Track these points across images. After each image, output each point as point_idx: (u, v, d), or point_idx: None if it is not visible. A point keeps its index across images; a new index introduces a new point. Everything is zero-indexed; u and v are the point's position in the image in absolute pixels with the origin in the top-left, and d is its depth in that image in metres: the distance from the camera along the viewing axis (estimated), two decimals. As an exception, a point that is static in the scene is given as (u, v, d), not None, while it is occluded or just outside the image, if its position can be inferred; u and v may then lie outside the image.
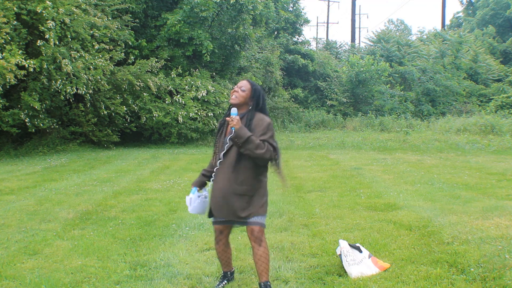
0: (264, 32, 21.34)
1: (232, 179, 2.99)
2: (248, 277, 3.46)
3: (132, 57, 14.51)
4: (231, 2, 14.98)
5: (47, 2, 10.81)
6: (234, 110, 2.94)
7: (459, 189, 6.74)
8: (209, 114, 14.87)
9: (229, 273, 3.38)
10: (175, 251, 4.06)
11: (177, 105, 14.48)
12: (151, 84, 13.79)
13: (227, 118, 2.94)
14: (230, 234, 3.28)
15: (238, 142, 2.90)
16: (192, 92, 14.77)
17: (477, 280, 3.29)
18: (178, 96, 14.64)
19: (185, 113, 14.28)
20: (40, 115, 11.70)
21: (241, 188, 3.00)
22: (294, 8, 26.35)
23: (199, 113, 14.63)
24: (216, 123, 14.68)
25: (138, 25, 15.21)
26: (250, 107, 3.05)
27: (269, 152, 2.94)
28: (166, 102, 14.54)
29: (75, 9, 11.84)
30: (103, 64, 12.61)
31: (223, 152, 3.04)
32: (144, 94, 14.04)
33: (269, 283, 3.07)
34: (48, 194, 6.75)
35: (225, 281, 3.35)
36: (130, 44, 14.67)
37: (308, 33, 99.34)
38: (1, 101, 10.64)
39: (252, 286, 3.33)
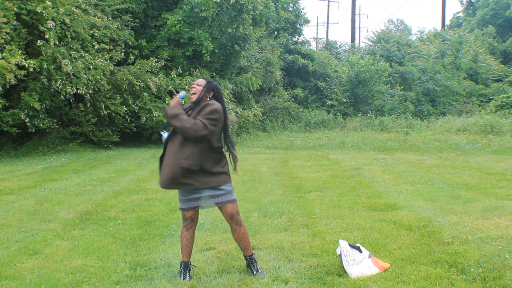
0: (264, 32, 21.33)
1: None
2: (247, 277, 3.46)
3: (132, 57, 14.51)
4: (231, 2, 14.97)
5: (47, 2, 10.81)
6: (182, 93, 3.48)
7: (459, 189, 6.74)
8: (209, 114, 14.85)
9: (189, 263, 3.54)
10: (175, 251, 4.06)
11: (177, 105, 14.47)
12: (151, 84, 13.79)
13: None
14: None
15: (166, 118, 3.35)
16: (192, 92, 14.76)
17: (477, 280, 3.29)
18: (178, 96, 14.63)
19: (185, 113, 14.27)
20: (40, 115, 11.70)
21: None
22: (294, 8, 26.34)
23: (199, 113, 14.62)
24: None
25: (138, 25, 15.21)
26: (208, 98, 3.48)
27: (193, 126, 3.26)
28: (166, 102, 14.52)
29: (75, 9, 11.83)
30: (103, 64, 12.60)
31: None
32: (144, 94, 14.04)
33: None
34: (48, 194, 6.75)
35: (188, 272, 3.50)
36: (130, 44, 14.66)
37: (308, 33, 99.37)
38: (1, 101, 10.64)
39: (252, 286, 3.33)
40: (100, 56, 12.76)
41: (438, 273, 3.41)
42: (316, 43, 36.56)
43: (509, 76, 25.65)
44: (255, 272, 3.48)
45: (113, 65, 13.39)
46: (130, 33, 14.54)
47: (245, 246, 3.50)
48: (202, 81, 3.50)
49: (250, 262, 3.52)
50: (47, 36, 10.86)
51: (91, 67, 12.21)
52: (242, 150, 12.95)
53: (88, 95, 12.50)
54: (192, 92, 3.45)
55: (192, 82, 14.92)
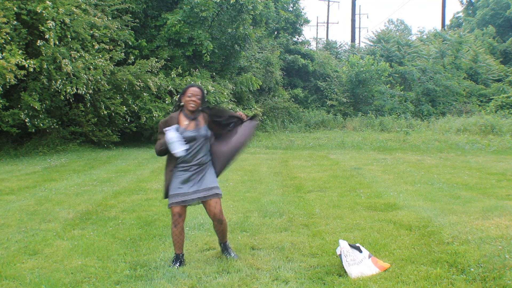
0: (264, 32, 21.33)
1: None
2: (248, 277, 3.46)
3: (132, 57, 14.50)
4: (231, 2, 14.97)
5: (47, 2, 10.80)
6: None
7: (459, 189, 6.74)
8: (209, 114, 14.85)
9: (181, 255, 3.79)
10: (175, 251, 4.06)
11: (177, 105, 14.48)
12: (151, 84, 13.78)
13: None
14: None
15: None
16: (192, 92, 14.76)
17: (477, 280, 3.30)
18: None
19: (185, 113, 14.27)
20: (40, 115, 11.69)
21: None
22: (294, 8, 26.34)
23: (199, 113, 14.62)
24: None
25: (138, 25, 15.20)
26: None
27: None
28: (166, 102, 14.52)
29: (75, 9, 11.83)
30: (103, 64, 12.59)
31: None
32: (144, 94, 14.03)
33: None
34: (48, 194, 6.75)
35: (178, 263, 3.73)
36: (130, 44, 14.66)
37: (308, 33, 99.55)
38: (1, 101, 10.64)
39: (252, 286, 3.33)
40: (100, 56, 12.76)
41: (438, 273, 3.41)
42: (316, 43, 36.55)
43: (509, 76, 25.64)
44: (229, 256, 3.83)
45: (113, 65, 13.37)
46: (130, 33, 14.54)
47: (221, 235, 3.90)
48: (200, 93, 3.95)
49: (224, 248, 3.92)
50: (47, 36, 10.85)
51: (91, 67, 12.20)
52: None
53: (88, 95, 12.49)
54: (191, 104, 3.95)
55: (192, 82, 14.96)
